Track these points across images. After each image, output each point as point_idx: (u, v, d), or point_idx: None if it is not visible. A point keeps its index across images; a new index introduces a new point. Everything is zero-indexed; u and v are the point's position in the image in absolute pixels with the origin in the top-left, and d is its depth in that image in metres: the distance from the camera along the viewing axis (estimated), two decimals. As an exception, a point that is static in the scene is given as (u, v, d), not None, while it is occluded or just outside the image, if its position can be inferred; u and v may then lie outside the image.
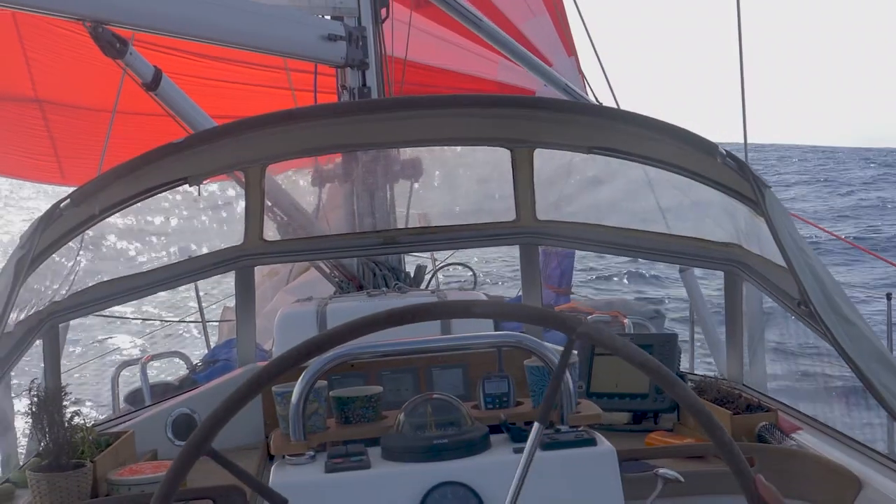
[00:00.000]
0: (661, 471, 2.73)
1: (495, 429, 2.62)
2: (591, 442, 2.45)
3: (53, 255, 3.95)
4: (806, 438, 3.90)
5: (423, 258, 9.43)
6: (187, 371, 8.14)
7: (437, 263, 9.47)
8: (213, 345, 10.33)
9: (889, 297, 7.27)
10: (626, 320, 8.26)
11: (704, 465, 3.81)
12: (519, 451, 2.45)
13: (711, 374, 5.36)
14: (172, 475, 2.02)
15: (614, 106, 9.02)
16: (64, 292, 4.34)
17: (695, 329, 8.28)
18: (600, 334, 2.11)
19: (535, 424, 2.19)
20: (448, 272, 9.79)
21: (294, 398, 2.61)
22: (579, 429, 2.55)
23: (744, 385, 4.73)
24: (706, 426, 2.07)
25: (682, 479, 2.75)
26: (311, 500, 2.19)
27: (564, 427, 2.58)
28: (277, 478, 2.42)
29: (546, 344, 2.81)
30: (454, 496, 2.31)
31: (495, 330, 5.45)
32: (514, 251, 5.33)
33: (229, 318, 11.43)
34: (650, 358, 2.09)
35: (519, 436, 2.56)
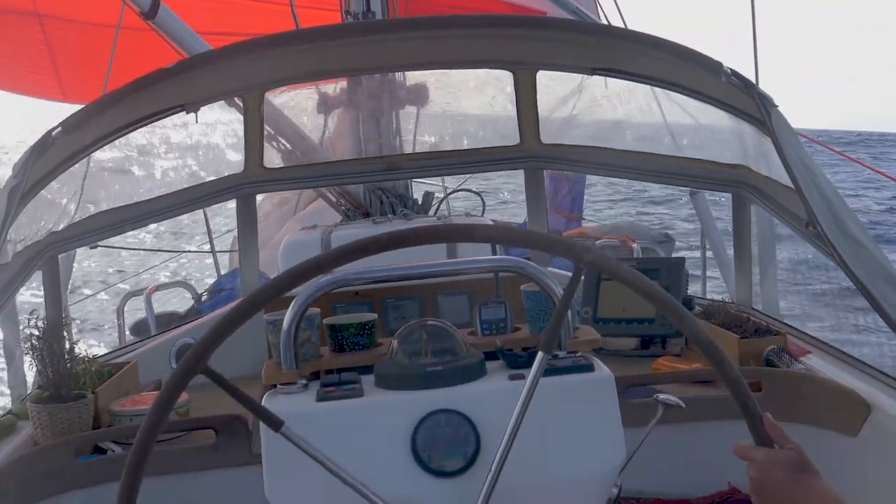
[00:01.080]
0: (662, 396, 2.69)
1: (492, 355, 2.58)
2: (589, 368, 2.40)
3: (51, 185, 3.90)
4: (815, 362, 3.86)
5: (433, 185, 9.37)
6: (192, 301, 8.14)
7: (446, 189, 9.40)
8: (223, 270, 10.31)
9: None
10: (634, 244, 8.22)
11: (711, 389, 3.78)
12: (515, 377, 2.42)
13: (720, 298, 5.30)
14: (167, 393, 1.99)
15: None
16: (63, 223, 4.29)
17: (706, 253, 8.23)
18: (607, 262, 2.08)
19: (539, 354, 2.15)
20: (457, 198, 9.72)
21: (284, 325, 2.57)
22: (577, 354, 2.50)
23: (752, 308, 4.68)
24: (714, 360, 2.04)
25: (682, 404, 2.71)
26: (302, 429, 2.15)
27: (562, 353, 2.53)
28: (268, 406, 2.38)
29: (546, 270, 2.76)
30: (448, 423, 2.27)
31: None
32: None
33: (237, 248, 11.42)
34: (656, 287, 2.06)
35: (515, 362, 2.51)
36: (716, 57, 3.51)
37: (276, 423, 2.06)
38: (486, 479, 2.11)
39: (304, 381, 2.46)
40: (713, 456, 3.55)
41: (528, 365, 2.48)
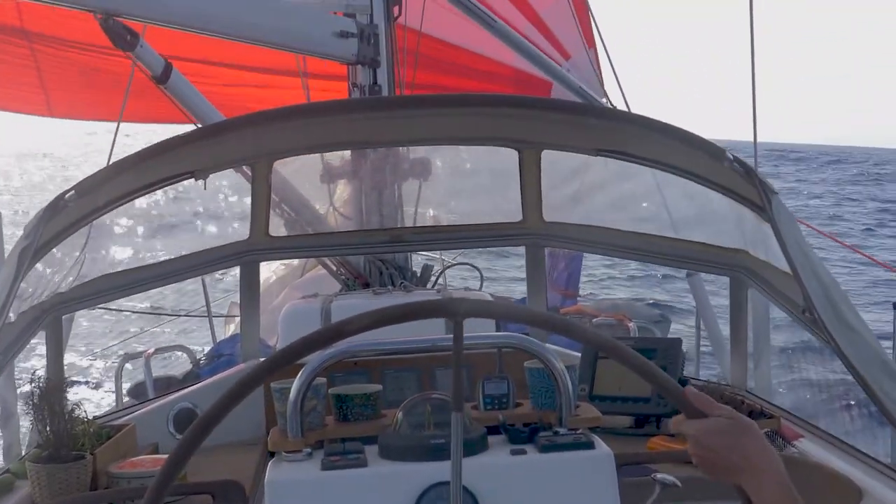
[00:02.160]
0: (659, 476, 2.72)
1: (494, 430, 2.61)
2: (589, 445, 2.44)
3: (59, 246, 3.95)
4: (807, 446, 3.89)
5: (431, 258, 9.42)
6: (191, 366, 8.15)
7: (444, 262, 9.45)
8: (219, 339, 10.33)
9: None
10: (630, 324, 8.24)
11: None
12: (517, 452, 2.45)
13: (716, 380, 5.33)
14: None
15: (624, 107, 8.98)
16: (68, 283, 4.33)
17: (701, 335, 8.27)
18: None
19: (453, 414, 2.15)
20: (455, 272, 9.76)
21: (292, 394, 2.60)
22: (577, 431, 2.54)
23: (747, 391, 4.71)
24: (626, 362, 2.02)
25: (679, 483, 2.74)
26: (306, 498, 2.18)
27: (563, 429, 2.57)
28: (273, 474, 2.41)
29: (548, 346, 2.81)
30: (450, 496, 2.30)
31: (497, 331, 5.46)
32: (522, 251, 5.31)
33: (235, 314, 11.45)
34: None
35: (517, 437, 2.55)
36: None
37: None
38: None
39: (308, 450, 2.50)
40: None
41: (531, 440, 2.53)
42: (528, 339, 2.72)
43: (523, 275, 5.37)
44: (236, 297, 12.31)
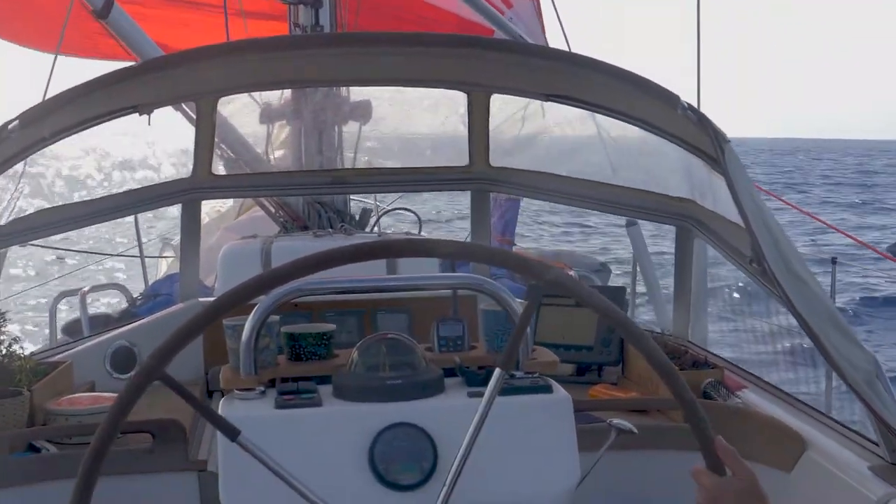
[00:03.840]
0: (615, 421, 2.72)
1: (449, 372, 2.59)
2: (547, 389, 2.42)
3: None
4: (750, 397, 3.92)
5: (367, 202, 9.38)
6: (127, 304, 8.06)
7: (379, 208, 9.41)
8: (150, 280, 10.22)
9: (834, 261, 7.37)
10: (571, 272, 8.27)
11: (648, 419, 3.82)
12: (473, 394, 2.43)
13: (658, 330, 5.34)
14: (124, 399, 1.98)
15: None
16: (4, 217, 4.23)
17: (636, 284, 8.33)
18: (569, 282, 2.10)
19: (496, 371, 2.17)
20: (392, 215, 9.73)
21: (246, 331, 2.56)
22: (535, 375, 2.52)
23: (689, 342, 4.73)
24: (670, 382, 2.07)
25: (635, 430, 2.74)
26: (260, 436, 2.14)
27: (519, 373, 2.55)
28: (225, 411, 2.36)
29: (505, 288, 2.78)
30: (406, 437, 2.28)
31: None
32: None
33: (168, 254, 11.34)
34: (616, 308, 2.08)
35: (473, 379, 2.53)
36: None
37: (232, 433, 2.05)
38: (440, 494, 2.12)
39: (262, 388, 2.46)
40: (646, 486, 3.59)
41: (487, 383, 2.50)
42: (487, 280, 2.68)
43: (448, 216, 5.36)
44: (166, 238, 12.26)
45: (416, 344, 2.57)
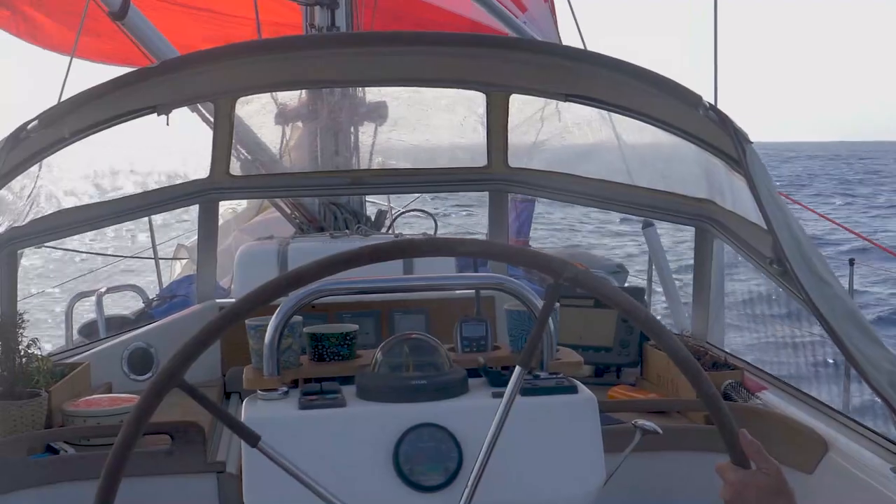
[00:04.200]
0: (640, 422, 2.70)
1: (472, 373, 2.57)
2: (573, 389, 2.40)
3: (17, 178, 3.85)
4: (770, 398, 3.89)
5: (382, 204, 9.37)
6: (143, 305, 8.06)
7: (393, 210, 9.40)
8: (164, 282, 10.23)
9: (852, 262, 7.35)
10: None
11: (669, 420, 3.80)
12: (497, 395, 2.41)
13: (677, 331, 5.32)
14: (143, 404, 1.97)
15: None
16: (24, 218, 4.23)
17: (653, 285, 8.31)
18: (588, 279, 2.08)
19: (517, 368, 2.15)
20: (407, 218, 9.72)
21: (269, 332, 2.54)
22: (559, 375, 2.50)
23: (707, 343, 4.71)
24: (691, 376, 2.05)
25: (660, 430, 2.72)
26: (284, 436, 2.13)
27: (544, 373, 2.53)
28: (249, 412, 2.35)
29: (528, 287, 2.76)
30: (431, 438, 2.26)
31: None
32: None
33: (182, 256, 11.35)
34: (637, 304, 2.07)
35: (497, 380, 2.51)
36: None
37: (253, 439, 2.04)
38: (462, 494, 2.11)
39: (285, 389, 2.44)
40: (668, 488, 3.57)
41: None
42: (511, 279, 2.66)
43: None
44: (181, 240, 12.26)
45: (440, 344, 2.55)
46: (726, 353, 4.53)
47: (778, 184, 3.65)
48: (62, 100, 3.58)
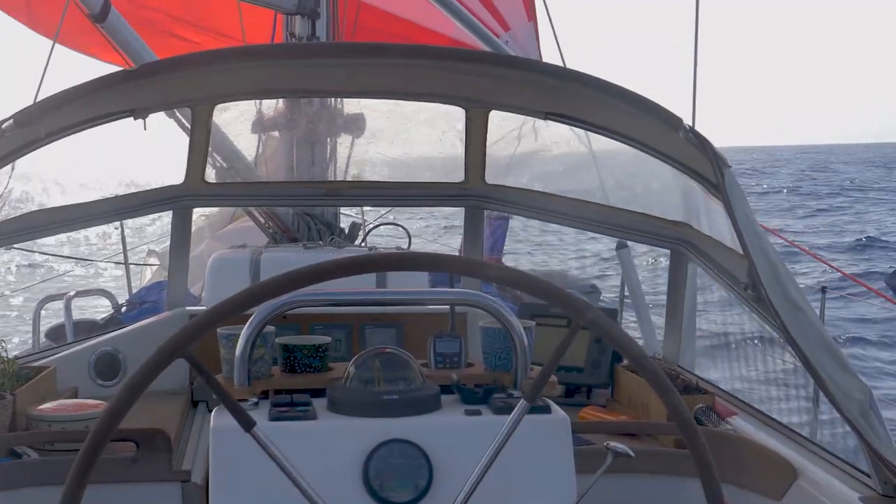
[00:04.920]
0: (612, 444, 2.68)
1: (445, 389, 2.54)
2: (546, 409, 2.38)
3: None
4: (741, 424, 3.88)
5: (356, 217, 9.35)
6: (112, 311, 8.00)
7: (366, 223, 9.39)
8: (134, 288, 10.16)
9: (824, 290, 7.38)
10: None
11: (639, 442, 3.78)
12: (471, 412, 2.39)
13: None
14: (138, 379, 1.93)
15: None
16: None
17: (624, 308, 8.30)
18: (607, 326, 2.06)
19: (521, 401, 2.15)
20: (382, 231, 9.71)
21: (241, 341, 2.50)
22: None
23: (679, 366, 4.70)
24: (690, 441, 2.06)
25: (632, 453, 2.70)
26: (253, 448, 2.10)
27: (517, 392, 2.51)
28: (219, 422, 2.31)
29: (505, 306, 2.74)
30: (402, 454, 2.24)
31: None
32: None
33: (153, 262, 11.29)
34: (648, 359, 2.06)
35: (471, 397, 2.49)
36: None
37: (248, 423, 2.01)
38: None
39: (255, 399, 2.41)
40: None
41: (485, 401, 2.46)
42: (486, 296, 2.63)
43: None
44: (153, 245, 12.20)
45: (413, 359, 2.52)
46: (697, 377, 4.51)
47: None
48: (39, 100, 3.55)
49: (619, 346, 2.05)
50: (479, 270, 2.17)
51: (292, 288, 2.00)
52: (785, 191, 62.41)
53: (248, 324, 2.45)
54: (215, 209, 10.72)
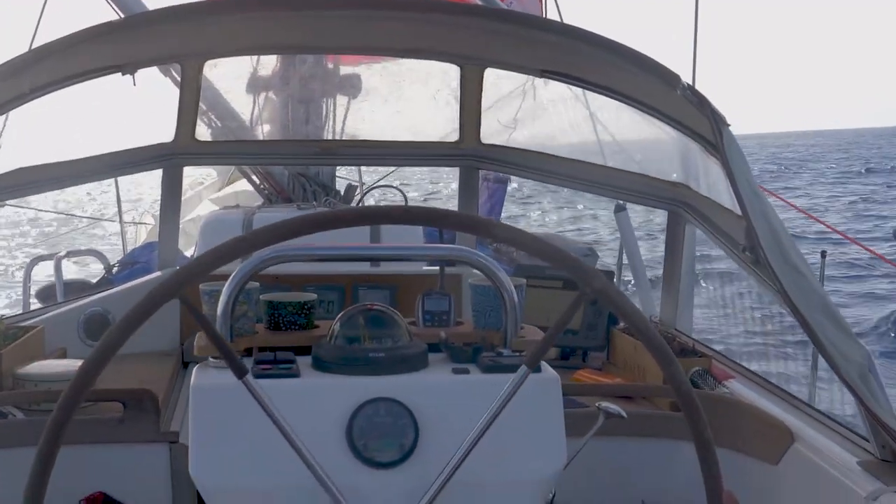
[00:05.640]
0: (604, 405, 2.63)
1: (434, 348, 2.48)
2: (536, 368, 2.32)
3: None
4: (737, 388, 3.84)
5: (353, 180, 9.30)
6: (103, 271, 7.95)
7: (363, 185, 9.33)
8: (130, 245, 10.13)
9: (824, 254, 7.33)
10: None
11: (633, 405, 3.74)
12: (459, 371, 2.34)
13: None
14: (132, 317, 1.88)
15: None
16: None
17: (622, 271, 8.27)
18: (613, 294, 2.01)
19: (522, 367, 2.10)
20: (377, 193, 9.66)
21: (223, 296, 2.44)
22: (522, 353, 2.42)
23: (676, 329, 4.65)
24: (692, 421, 2.02)
25: (624, 414, 2.65)
26: (234, 405, 2.05)
27: (507, 350, 2.45)
28: (200, 379, 2.26)
29: (496, 263, 2.67)
30: (387, 412, 2.18)
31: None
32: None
33: (147, 222, 11.24)
34: (654, 332, 2.02)
35: (459, 356, 2.43)
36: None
37: (240, 370, 1.97)
38: (435, 479, 2.06)
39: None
40: (629, 473, 3.52)
41: (473, 360, 2.40)
42: (476, 252, 2.56)
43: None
44: (147, 207, 12.16)
45: (400, 317, 2.46)
46: (694, 339, 4.47)
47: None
48: (22, 52, 3.47)
49: (625, 317, 2.00)
50: (488, 229, 2.10)
51: (296, 234, 1.95)
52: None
53: (230, 278, 2.39)
54: (213, 174, 10.68)
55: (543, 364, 2.38)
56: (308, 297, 2.97)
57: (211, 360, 2.36)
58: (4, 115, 3.98)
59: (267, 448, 2.08)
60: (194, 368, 2.36)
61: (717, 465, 2.02)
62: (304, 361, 2.36)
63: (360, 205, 7.41)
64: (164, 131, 4.82)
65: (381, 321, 2.41)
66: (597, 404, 2.66)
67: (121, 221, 10.70)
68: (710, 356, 4.09)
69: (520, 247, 2.10)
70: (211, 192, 10.26)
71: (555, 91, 4.76)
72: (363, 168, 9.63)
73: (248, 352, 2.43)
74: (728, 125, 3.41)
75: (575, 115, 4.98)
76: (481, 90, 4.70)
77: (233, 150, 5.37)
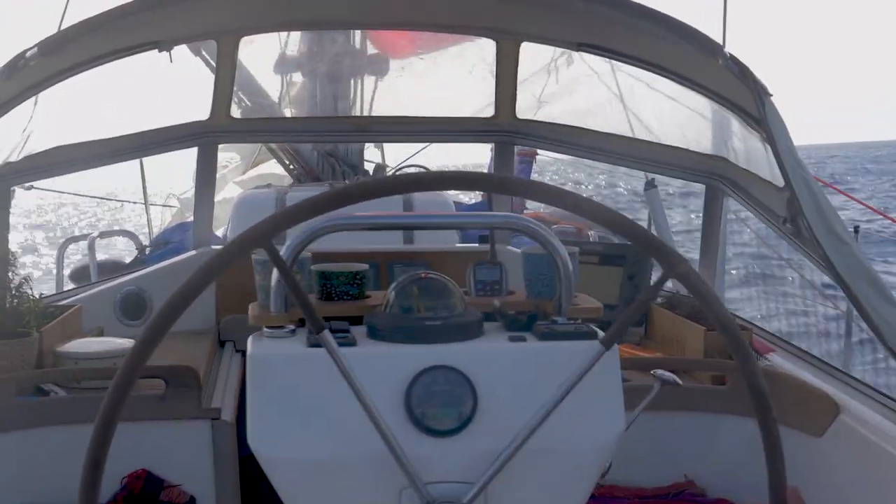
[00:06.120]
0: (660, 371, 2.60)
1: (487, 317, 2.46)
2: (592, 335, 2.30)
3: (13, 111, 3.73)
4: (779, 361, 3.81)
5: (376, 162, 9.30)
6: (136, 252, 7.97)
7: (388, 167, 9.33)
8: (155, 229, 10.14)
9: (856, 230, 7.31)
10: (591, 232, 8.20)
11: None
12: (515, 339, 2.32)
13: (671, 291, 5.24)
14: (215, 264, 1.90)
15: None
16: (18, 153, 4.12)
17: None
18: (695, 280, 2.00)
19: (599, 347, 2.10)
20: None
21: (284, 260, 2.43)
22: (578, 321, 2.40)
23: None
24: (761, 412, 2.03)
25: (679, 382, 2.63)
26: (292, 375, 2.04)
27: (561, 319, 2.42)
28: (255, 348, 2.24)
29: (551, 231, 2.65)
30: (445, 380, 2.16)
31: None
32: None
33: (172, 204, 11.26)
34: (731, 319, 2.02)
35: (514, 324, 2.41)
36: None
37: (319, 325, 1.99)
38: (505, 449, 2.07)
39: (292, 327, 2.34)
40: (672, 446, 3.50)
41: (528, 328, 2.38)
42: (530, 220, 2.54)
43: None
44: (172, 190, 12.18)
45: (455, 284, 2.44)
46: (733, 314, 4.44)
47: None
48: (63, 28, 3.47)
49: (706, 304, 1.98)
50: (562, 199, 2.07)
51: (392, 192, 1.97)
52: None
53: (285, 247, 2.38)
54: (237, 157, 10.67)
55: (599, 331, 2.36)
56: (360, 268, 2.96)
57: (266, 329, 2.35)
58: (35, 96, 3.95)
59: (328, 417, 2.08)
60: (249, 338, 2.35)
61: (783, 463, 2.01)
62: (358, 331, 2.34)
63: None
64: (189, 111, 4.80)
65: (435, 290, 2.39)
66: (652, 371, 2.64)
67: (146, 203, 10.70)
68: (750, 329, 4.06)
69: (599, 221, 2.09)
70: (235, 176, 10.27)
71: (591, 63, 4.72)
72: (385, 154, 9.63)
73: (300, 322, 2.41)
74: (770, 95, 3.38)
75: (611, 88, 4.94)
76: (517, 65, 4.66)
77: (268, 128, 5.34)
